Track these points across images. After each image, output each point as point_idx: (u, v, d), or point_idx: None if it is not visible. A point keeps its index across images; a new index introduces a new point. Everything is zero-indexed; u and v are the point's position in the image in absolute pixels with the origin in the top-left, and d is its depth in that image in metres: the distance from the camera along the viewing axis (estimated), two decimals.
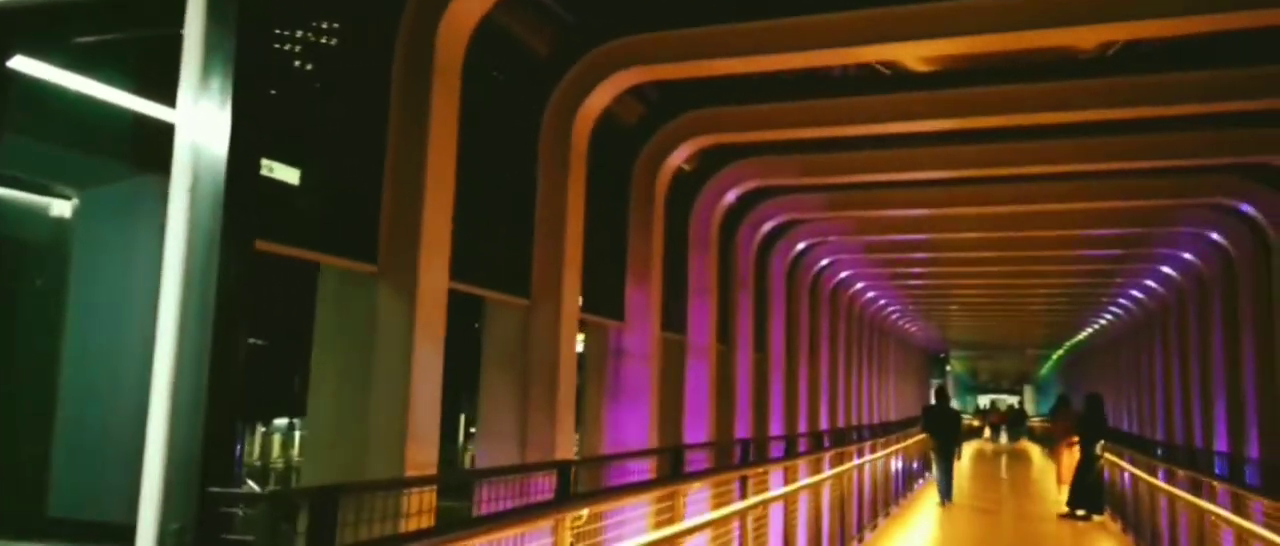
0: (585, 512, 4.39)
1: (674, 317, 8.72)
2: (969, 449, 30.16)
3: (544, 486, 4.63)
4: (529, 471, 4.25)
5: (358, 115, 4.75)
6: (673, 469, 5.70)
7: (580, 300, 6.48)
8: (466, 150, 5.14)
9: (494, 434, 6.12)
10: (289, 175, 4.21)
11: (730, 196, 9.25)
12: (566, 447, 6.03)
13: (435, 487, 4.16)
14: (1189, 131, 7.91)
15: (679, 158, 7.79)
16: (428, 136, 4.75)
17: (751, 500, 7.12)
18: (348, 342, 4.73)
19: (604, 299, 7.39)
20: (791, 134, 8.00)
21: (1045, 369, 46.87)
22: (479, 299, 6.01)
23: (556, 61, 6.20)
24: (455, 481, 4.30)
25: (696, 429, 8.89)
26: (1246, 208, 9.03)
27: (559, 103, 6.15)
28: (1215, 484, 8.67)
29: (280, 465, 35.08)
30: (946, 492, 15.54)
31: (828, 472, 10.01)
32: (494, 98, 6.09)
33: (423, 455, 4.63)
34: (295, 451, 33.45)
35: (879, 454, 13.50)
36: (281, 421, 35.68)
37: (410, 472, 4.50)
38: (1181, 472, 8.93)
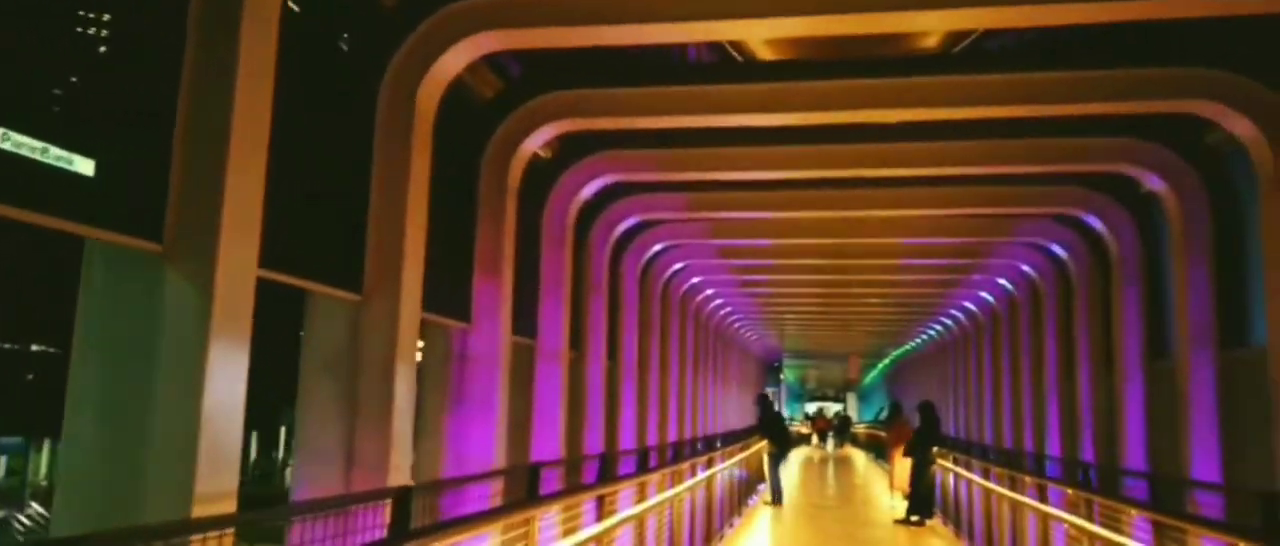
0: None
1: (524, 320, 7.97)
2: (797, 455, 30.82)
3: (378, 517, 3.79)
4: (357, 502, 3.41)
5: (135, 50, 3.74)
6: (528, 490, 4.96)
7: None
8: (285, 111, 4.22)
9: (315, 453, 5.17)
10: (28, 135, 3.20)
11: (587, 191, 8.60)
12: (402, 469, 5.16)
13: (232, 530, 3.27)
14: (1035, 137, 7.95)
15: (536, 142, 7.06)
16: (233, 88, 3.81)
17: (609, 521, 6.50)
18: (120, 341, 3.72)
19: (447, 296, 6.54)
20: (648, 122, 7.47)
21: (870, 377, 48.97)
22: (299, 292, 5.05)
23: (404, 12, 5.33)
24: (261, 519, 3.39)
25: (547, 443, 8.15)
26: (1092, 220, 9.25)
27: (404, 62, 5.28)
28: (1052, 486, 8.84)
29: None
30: (779, 494, 15.95)
31: (685, 484, 9.55)
32: (323, 50, 5.15)
33: (219, 484, 3.67)
34: None
35: (730, 462, 13.29)
36: None
37: (200, 509, 3.55)
38: (1029, 479, 9.07)
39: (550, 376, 8.35)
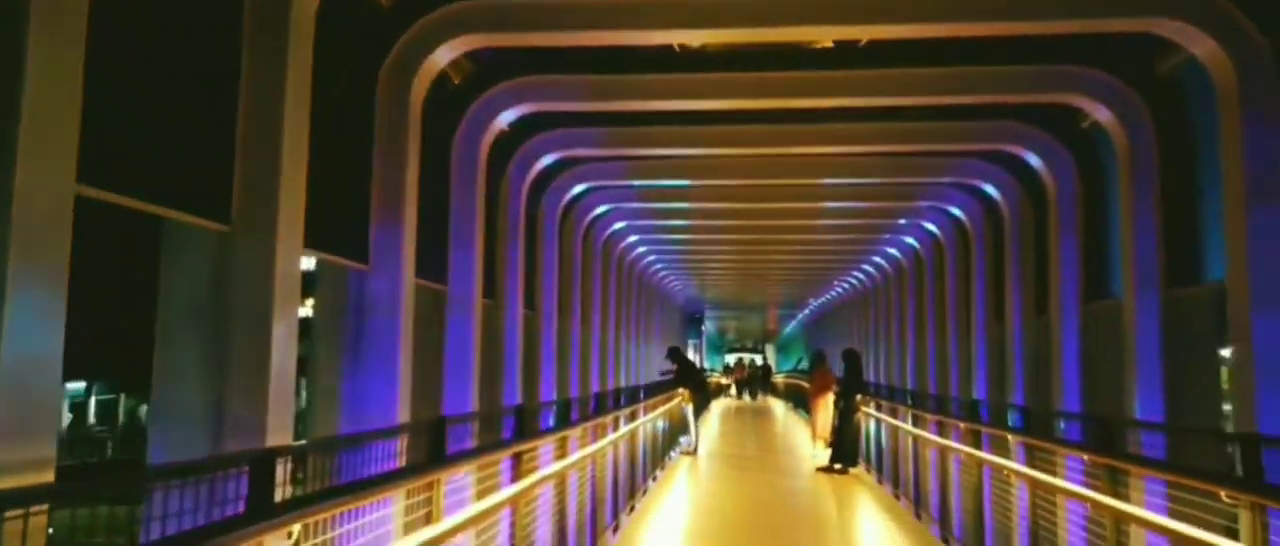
0: (296, 529, 2.92)
1: (432, 264, 7.22)
2: (717, 406, 30.60)
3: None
4: (200, 473, 2.69)
5: None
6: (431, 451, 4.28)
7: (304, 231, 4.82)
8: None
9: (176, 414, 4.38)
10: None
11: (502, 120, 7.81)
12: (281, 432, 4.41)
13: (45, 506, 2.53)
14: (972, 65, 7.49)
15: (443, 57, 6.24)
16: None
17: (526, 482, 5.85)
18: None
19: (341, 234, 5.75)
20: (566, 38, 6.78)
21: (789, 328, 49.29)
22: (153, 220, 4.22)
23: None
24: (64, 497, 2.62)
25: (459, 398, 7.45)
26: (1028, 156, 8.92)
27: None
28: (987, 431, 8.58)
29: None
30: (695, 443, 15.66)
31: (607, 438, 8.99)
32: None
33: (26, 452, 2.90)
34: None
35: (653, 414, 12.80)
36: None
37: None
38: (963, 425, 8.78)
39: (462, 325, 7.63)
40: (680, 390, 16.32)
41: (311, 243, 4.93)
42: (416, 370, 6.52)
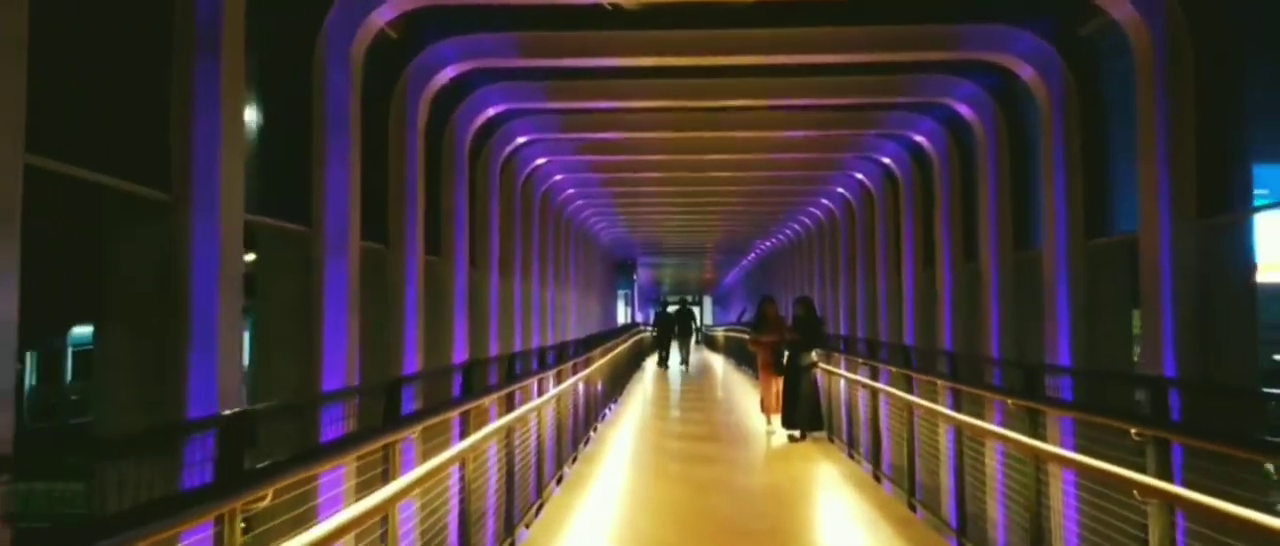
0: None
1: (287, 197, 5.67)
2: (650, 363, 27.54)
3: None
4: None
5: None
6: (219, 467, 2.77)
7: None
8: None
9: None
10: None
11: (379, 18, 6.20)
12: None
13: None
14: (905, 24, 7.59)
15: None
16: None
17: (390, 488, 4.27)
18: None
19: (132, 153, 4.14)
20: None
21: (728, 277, 47.61)
22: None
23: None
24: None
25: (334, 368, 5.94)
26: (961, 108, 8.04)
27: None
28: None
29: None
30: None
31: (483, 432, 7.43)
32: None
33: None
34: None
35: (597, 365, 11.35)
36: None
37: None
38: (947, 384, 7.51)
39: (338, 277, 6.06)
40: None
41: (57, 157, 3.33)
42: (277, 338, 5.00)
